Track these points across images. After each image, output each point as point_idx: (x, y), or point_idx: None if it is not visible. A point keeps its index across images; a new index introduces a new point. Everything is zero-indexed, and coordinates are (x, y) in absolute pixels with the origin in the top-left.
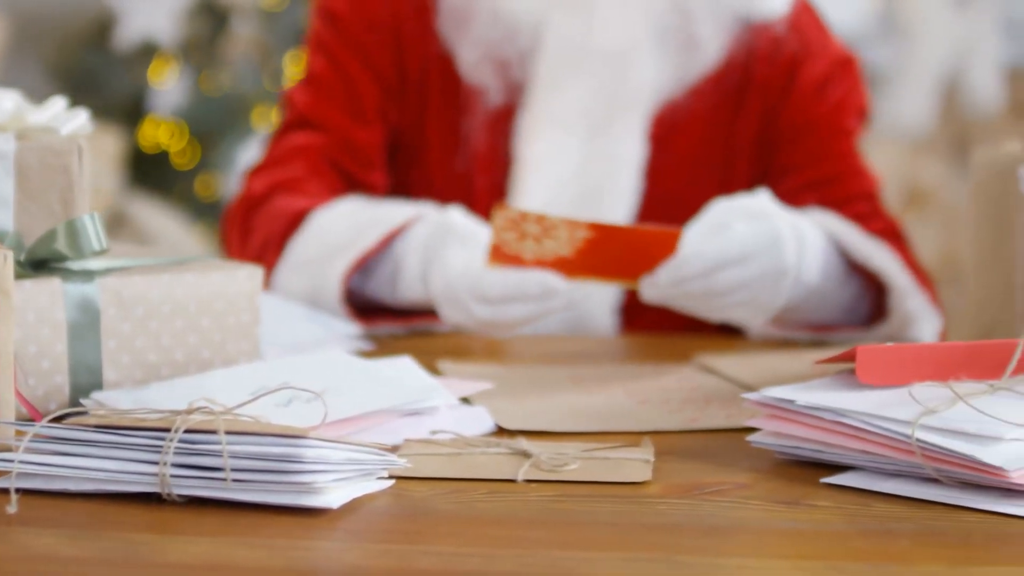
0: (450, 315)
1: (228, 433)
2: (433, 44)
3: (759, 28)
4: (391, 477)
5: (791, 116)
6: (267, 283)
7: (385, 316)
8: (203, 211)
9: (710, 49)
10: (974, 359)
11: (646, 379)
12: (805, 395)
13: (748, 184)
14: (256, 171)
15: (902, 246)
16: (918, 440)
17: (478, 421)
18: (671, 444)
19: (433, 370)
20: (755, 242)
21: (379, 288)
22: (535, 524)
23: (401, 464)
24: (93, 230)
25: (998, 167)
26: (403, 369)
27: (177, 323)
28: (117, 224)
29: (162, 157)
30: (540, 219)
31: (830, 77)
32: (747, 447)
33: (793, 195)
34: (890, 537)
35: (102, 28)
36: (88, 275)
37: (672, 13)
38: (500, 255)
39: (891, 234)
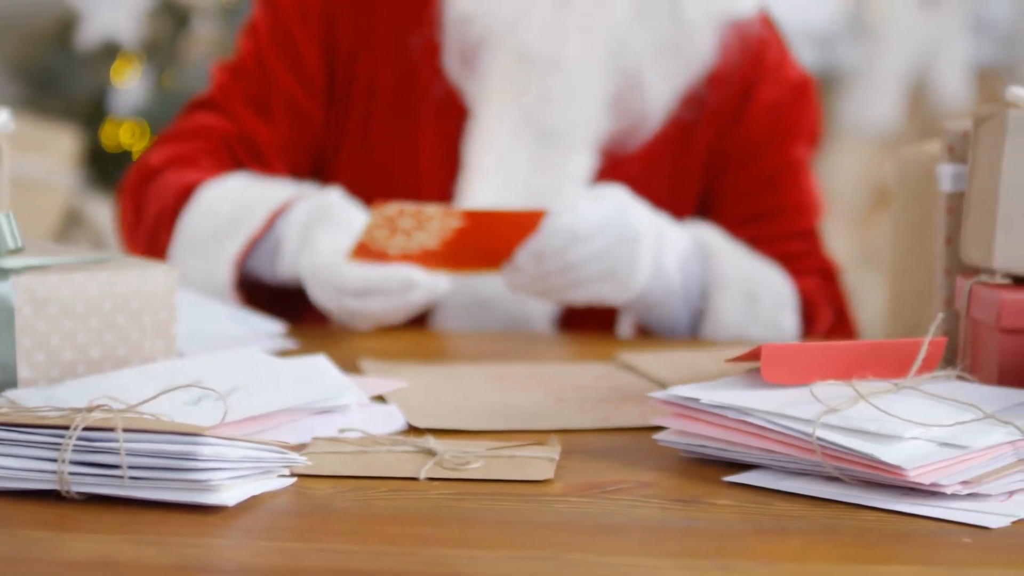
0: (317, 298)
1: (126, 431)
2: (394, 50)
3: (720, 49)
4: (294, 475)
5: (740, 140)
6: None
7: (266, 301)
8: None
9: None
10: (880, 358)
11: (565, 377)
12: (710, 394)
13: (697, 206)
14: (159, 143)
15: (831, 285)
16: (819, 439)
17: (390, 419)
18: (580, 442)
19: (354, 368)
20: (603, 215)
21: (259, 265)
22: (430, 522)
23: (301, 462)
24: (8, 229)
25: (918, 166)
26: (316, 368)
27: (92, 321)
28: (73, 223)
29: (125, 156)
30: (417, 213)
31: (784, 102)
32: (655, 445)
33: (731, 227)
34: (784, 535)
35: (64, 28)
36: (3, 273)
37: (633, 30)
38: (364, 251)
39: (823, 273)
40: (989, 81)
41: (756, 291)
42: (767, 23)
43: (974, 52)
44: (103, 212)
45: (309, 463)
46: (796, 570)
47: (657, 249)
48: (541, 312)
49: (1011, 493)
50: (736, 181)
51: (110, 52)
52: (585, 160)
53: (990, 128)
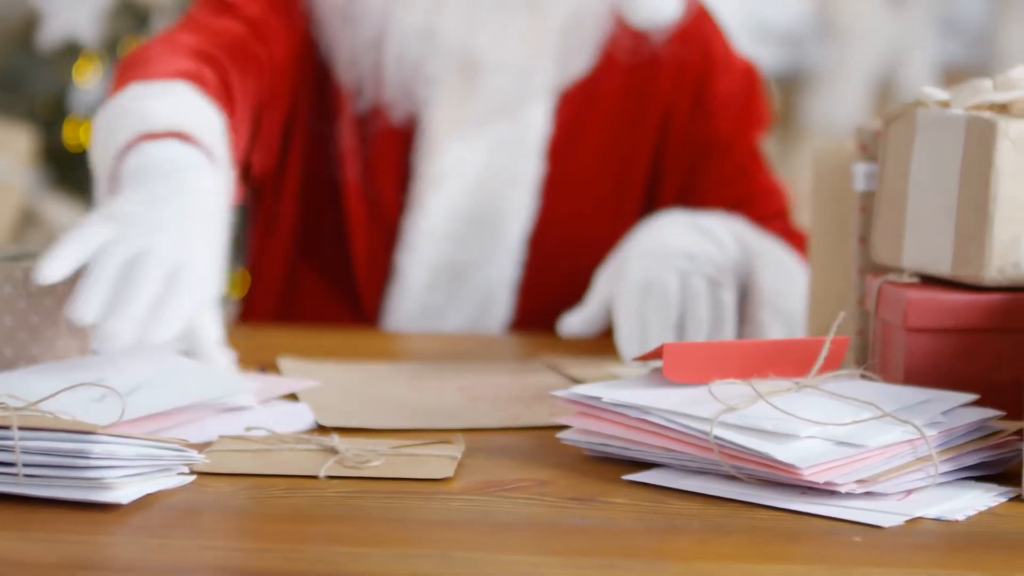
0: None
1: (21, 428)
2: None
3: (661, 39)
4: (195, 473)
5: (707, 133)
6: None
7: None
8: None
9: (588, 54)
10: (783, 357)
11: (483, 376)
12: (612, 392)
13: (642, 199)
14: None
15: None
16: (716, 437)
17: (299, 417)
18: (487, 441)
19: (273, 366)
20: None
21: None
22: (322, 520)
23: (199, 460)
24: None
25: (836, 164)
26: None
27: (7, 320)
28: (28, 223)
29: (85, 156)
30: None
31: (738, 92)
32: (560, 444)
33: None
34: (675, 534)
35: (26, 28)
36: None
37: (564, 21)
38: None
39: (804, 249)
40: (955, 81)
41: (785, 261)
42: (706, 15)
43: (943, 51)
44: (61, 212)
45: (207, 461)
46: (681, 569)
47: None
48: (496, 320)
49: (909, 492)
50: (712, 173)
51: (71, 52)
52: (534, 165)
53: (900, 127)
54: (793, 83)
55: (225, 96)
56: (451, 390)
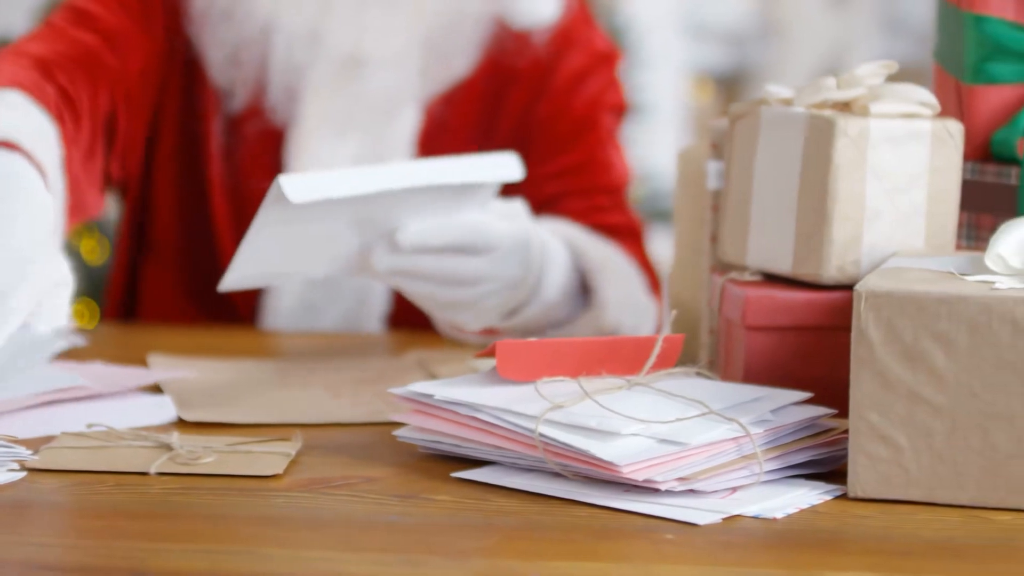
0: None
1: None
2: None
3: (541, 41)
4: (25, 470)
5: (545, 108)
6: None
7: None
8: None
9: (469, 55)
10: (618, 354)
11: (351, 372)
12: (444, 390)
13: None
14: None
15: (636, 245)
16: (541, 435)
17: (161, 410)
18: (329, 437)
19: (143, 363)
20: (510, 238)
21: None
22: (141, 516)
23: (27, 456)
24: None
25: (696, 164)
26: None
27: None
28: None
29: None
30: None
31: (587, 71)
32: (399, 441)
33: (538, 185)
34: (488, 531)
35: None
36: None
37: (437, 22)
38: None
39: (627, 232)
40: (903, 80)
41: (620, 269)
42: (585, 17)
43: (890, 51)
44: None
45: (37, 458)
46: (484, 566)
47: (539, 275)
48: (373, 314)
49: (735, 490)
50: (542, 143)
51: None
52: (404, 158)
53: (745, 125)
54: (736, 83)
55: (67, 109)
56: (316, 386)
